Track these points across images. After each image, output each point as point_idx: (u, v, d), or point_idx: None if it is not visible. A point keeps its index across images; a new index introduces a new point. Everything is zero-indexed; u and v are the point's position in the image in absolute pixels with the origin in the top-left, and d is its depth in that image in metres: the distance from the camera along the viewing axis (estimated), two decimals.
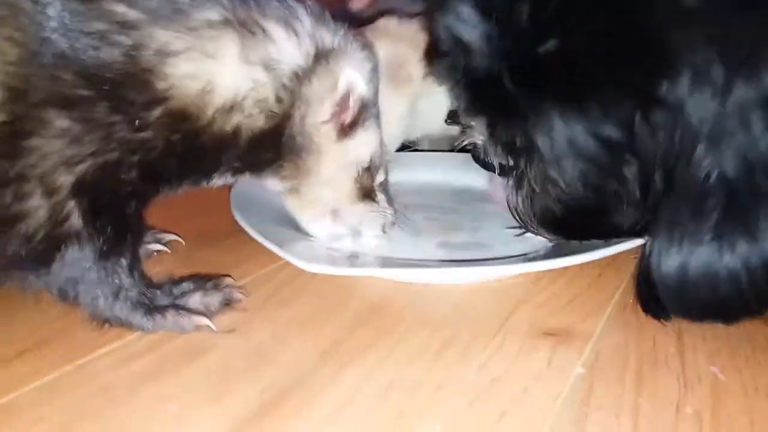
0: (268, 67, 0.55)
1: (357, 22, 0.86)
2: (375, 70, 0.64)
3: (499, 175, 0.66)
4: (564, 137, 0.55)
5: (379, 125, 0.65)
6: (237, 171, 0.60)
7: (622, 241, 0.64)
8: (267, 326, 0.55)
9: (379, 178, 0.66)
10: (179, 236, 0.70)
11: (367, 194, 0.65)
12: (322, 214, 0.65)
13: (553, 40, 0.53)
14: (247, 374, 0.48)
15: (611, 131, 0.54)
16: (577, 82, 0.54)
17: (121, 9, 0.51)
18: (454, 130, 0.95)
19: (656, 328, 0.56)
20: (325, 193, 0.64)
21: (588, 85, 0.54)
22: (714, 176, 0.50)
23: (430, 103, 0.87)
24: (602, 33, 0.52)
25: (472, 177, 0.83)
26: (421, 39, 0.85)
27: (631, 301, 0.61)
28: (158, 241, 0.69)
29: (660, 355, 0.52)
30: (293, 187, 0.63)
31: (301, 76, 0.57)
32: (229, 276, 0.61)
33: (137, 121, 0.50)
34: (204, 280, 0.58)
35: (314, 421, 0.44)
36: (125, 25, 0.50)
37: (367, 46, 0.63)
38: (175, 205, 0.72)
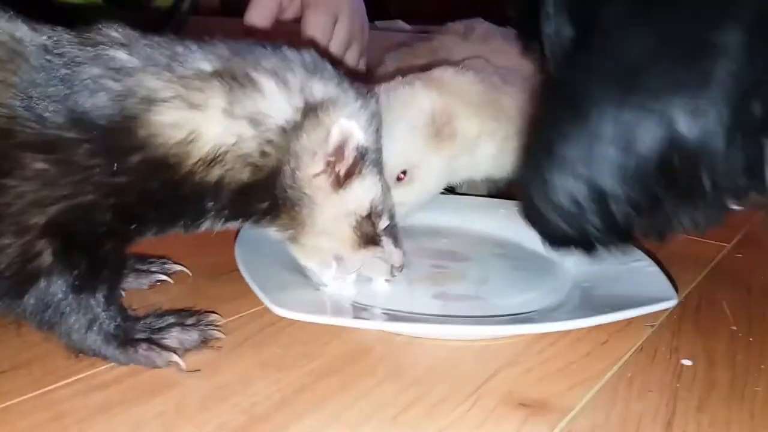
0: (253, 121, 0.55)
1: (416, 69, 0.87)
2: (374, 116, 0.63)
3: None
4: None
5: (380, 171, 0.64)
6: (228, 219, 0.60)
7: (639, 307, 0.60)
8: (235, 368, 0.55)
9: (383, 223, 0.64)
10: (186, 268, 0.72)
11: (369, 240, 0.64)
12: (326, 262, 0.65)
13: None
14: (198, 416, 0.48)
15: None
16: None
17: (120, 55, 0.53)
18: (498, 174, 0.92)
19: (646, 408, 0.52)
20: (324, 243, 0.63)
21: None
22: None
23: (476, 156, 0.85)
24: None
25: (500, 226, 0.80)
26: (475, 93, 0.83)
27: (629, 375, 0.57)
28: (165, 272, 0.70)
29: None
30: (292, 237, 0.63)
31: (288, 131, 0.57)
32: (214, 313, 0.61)
33: (115, 166, 0.51)
34: (186, 316, 0.59)
35: None
36: (120, 72, 0.52)
37: (365, 93, 0.63)
38: (191, 237, 0.74)
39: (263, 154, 0.57)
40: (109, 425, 0.47)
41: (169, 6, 1.46)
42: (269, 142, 0.56)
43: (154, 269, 0.70)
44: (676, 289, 0.65)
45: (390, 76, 0.85)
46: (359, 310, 0.62)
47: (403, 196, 0.80)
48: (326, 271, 0.65)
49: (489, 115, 0.83)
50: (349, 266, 0.65)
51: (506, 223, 0.83)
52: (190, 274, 0.72)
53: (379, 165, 0.64)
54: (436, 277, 0.71)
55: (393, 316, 0.60)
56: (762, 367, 0.59)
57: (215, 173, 0.56)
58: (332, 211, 0.61)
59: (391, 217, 0.66)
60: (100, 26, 0.54)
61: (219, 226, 0.61)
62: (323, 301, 0.63)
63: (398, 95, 0.79)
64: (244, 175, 0.57)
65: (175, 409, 0.49)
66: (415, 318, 0.60)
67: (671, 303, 0.61)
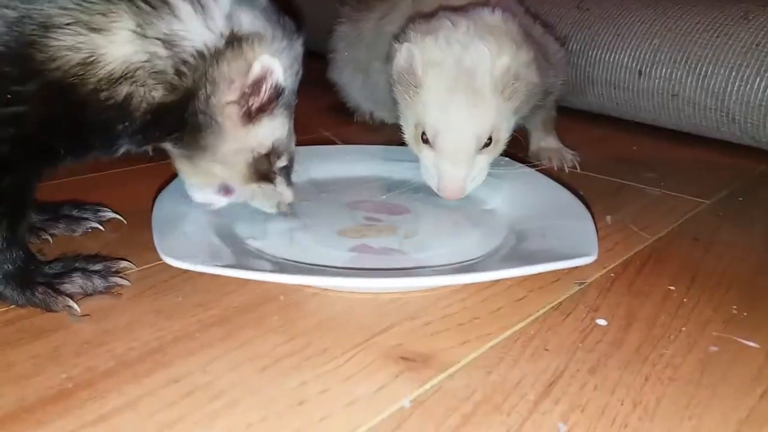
0: (167, 42, 0.55)
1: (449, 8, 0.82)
2: (297, 58, 0.62)
3: None
4: None
5: (291, 115, 0.63)
6: (142, 143, 0.60)
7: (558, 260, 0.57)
8: (126, 314, 0.55)
9: (280, 163, 0.65)
10: (121, 215, 0.72)
11: (262, 176, 0.65)
12: (209, 185, 0.65)
13: None
14: (69, 360, 0.48)
15: None
16: None
17: None
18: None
19: (533, 369, 0.49)
20: (217, 169, 0.63)
21: None
22: None
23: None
24: None
25: None
26: (524, 39, 0.79)
27: (532, 332, 0.54)
28: (98, 219, 0.71)
29: (511, 401, 0.46)
30: (187, 155, 0.63)
31: (207, 56, 0.57)
32: (126, 260, 0.62)
33: (9, 95, 0.51)
34: (94, 262, 0.59)
35: (96, 414, 0.43)
36: None
37: (293, 33, 0.62)
38: (128, 185, 0.75)
39: (179, 73, 0.56)
40: None
41: None
42: (185, 62, 0.56)
43: (86, 215, 0.70)
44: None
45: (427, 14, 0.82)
46: (265, 261, 0.61)
47: (488, 159, 0.77)
48: (204, 191, 0.66)
49: (536, 64, 0.79)
50: (237, 195, 0.66)
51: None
52: (125, 222, 0.72)
53: (291, 107, 0.64)
54: (363, 230, 0.69)
55: (282, 267, 0.59)
56: (683, 329, 0.55)
57: (123, 90, 0.55)
58: (235, 143, 0.61)
59: (290, 159, 0.66)
60: None
61: (136, 149, 0.61)
62: (233, 253, 0.62)
63: (474, 53, 0.74)
64: (157, 93, 0.56)
65: (51, 351, 0.50)
66: (308, 270, 0.59)
67: (586, 260, 0.58)
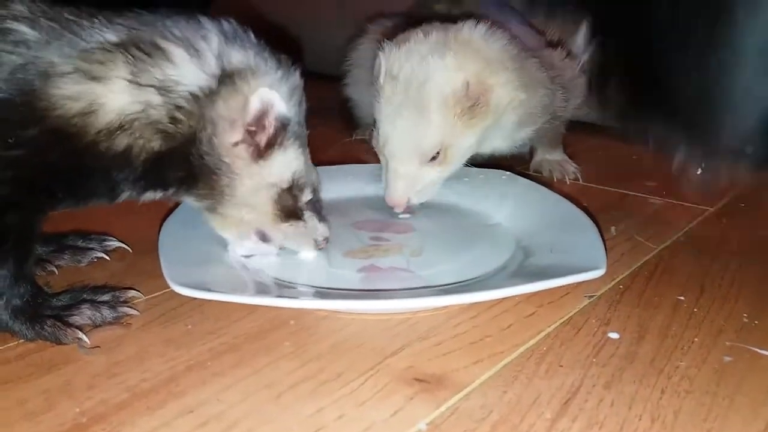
0: (161, 89, 0.55)
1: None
2: (296, 88, 0.62)
3: None
4: None
5: (303, 144, 0.63)
6: (146, 189, 0.60)
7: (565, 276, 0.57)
8: (136, 344, 0.54)
9: (305, 197, 0.63)
10: (127, 244, 0.72)
11: (291, 214, 0.63)
12: (246, 234, 0.64)
13: None
14: (82, 393, 0.48)
15: None
16: None
17: (23, 29, 0.53)
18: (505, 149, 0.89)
19: (548, 386, 0.49)
20: (244, 214, 0.62)
21: None
22: None
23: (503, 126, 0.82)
24: None
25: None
26: (507, 57, 0.79)
27: (544, 349, 0.54)
28: (104, 249, 0.71)
29: (529, 420, 0.45)
30: (211, 207, 0.62)
31: (202, 98, 0.56)
32: (134, 289, 0.61)
33: (11, 139, 0.51)
34: (102, 293, 0.59)
35: None
36: (20, 45, 0.52)
37: (288, 65, 0.61)
38: (135, 213, 0.75)
39: (174, 120, 0.56)
40: None
41: None
42: (179, 108, 0.56)
43: (92, 246, 0.70)
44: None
45: (404, 25, 0.82)
46: (276, 287, 0.61)
47: (436, 175, 0.78)
48: (244, 243, 0.65)
49: (519, 83, 0.79)
50: (272, 240, 0.64)
51: (461, 189, 0.81)
52: (130, 250, 0.72)
53: (302, 138, 0.63)
54: (370, 251, 0.69)
55: (291, 292, 0.59)
56: (695, 340, 0.55)
57: (122, 142, 0.55)
58: (252, 182, 0.60)
59: (314, 191, 0.65)
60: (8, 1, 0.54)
61: (139, 197, 0.60)
62: (243, 280, 0.62)
63: (428, 67, 0.74)
64: (156, 143, 0.56)
65: (63, 385, 0.49)
66: (323, 293, 0.59)
67: (595, 274, 0.58)
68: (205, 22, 0.59)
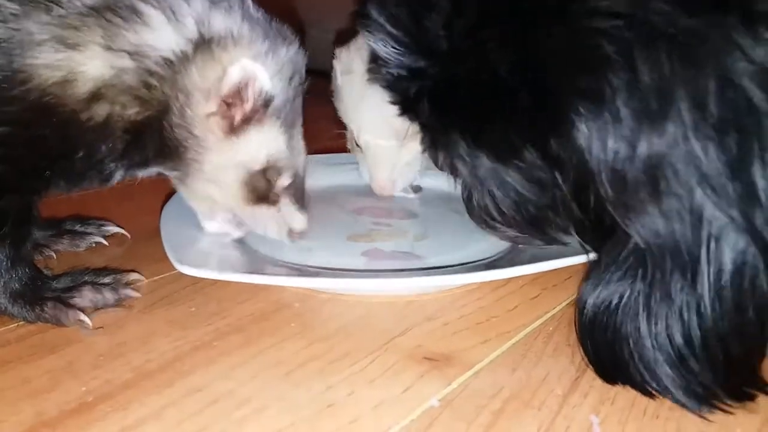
0: (134, 53, 0.52)
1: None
2: (289, 62, 0.58)
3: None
4: (474, 167, 0.51)
5: (290, 124, 0.59)
6: (131, 165, 0.57)
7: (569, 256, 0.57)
8: (140, 326, 0.54)
9: (283, 182, 0.59)
10: (124, 229, 0.71)
11: (262, 198, 0.59)
12: (214, 210, 0.62)
13: (463, 66, 0.47)
14: (87, 373, 0.47)
15: (513, 177, 0.50)
16: (480, 116, 0.48)
17: (2, 1, 0.51)
18: None
19: (556, 364, 0.49)
20: (212, 191, 0.59)
21: (489, 123, 0.48)
22: (625, 236, 0.43)
23: None
24: (505, 69, 0.45)
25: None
26: None
27: (551, 329, 0.54)
28: (102, 234, 0.70)
29: (540, 396, 0.45)
30: (180, 177, 0.59)
31: (175, 63, 0.53)
32: (135, 272, 0.61)
33: None
34: (103, 275, 0.58)
35: (119, 426, 0.42)
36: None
37: (284, 36, 0.58)
38: (134, 198, 0.74)
39: (147, 86, 0.53)
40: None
41: None
42: (151, 73, 0.53)
43: (90, 231, 0.69)
44: None
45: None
46: (278, 267, 0.60)
47: (415, 149, 0.76)
48: (212, 219, 0.63)
49: None
50: (240, 220, 0.62)
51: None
52: (129, 235, 0.71)
53: (288, 118, 0.59)
54: (374, 234, 0.69)
55: (297, 272, 0.58)
56: None
57: (103, 111, 0.53)
58: (221, 159, 0.56)
59: (296, 176, 0.61)
60: None
61: (128, 175, 0.58)
62: (245, 261, 0.61)
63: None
64: (132, 110, 0.53)
65: (67, 365, 0.49)
66: (324, 273, 0.58)
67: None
68: None
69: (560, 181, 0.47)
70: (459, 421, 0.43)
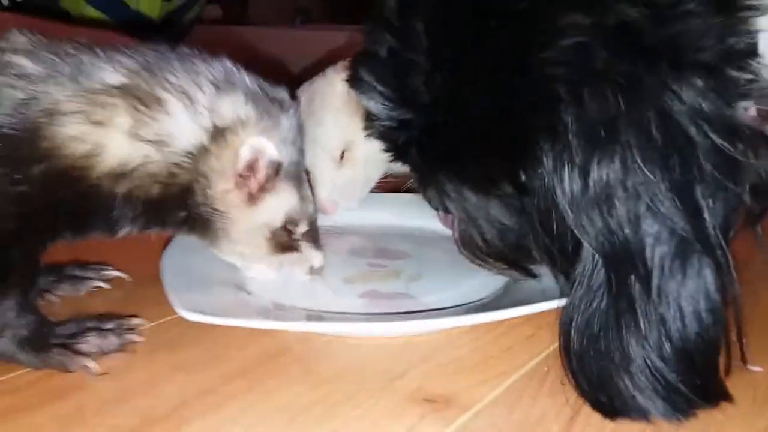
0: (159, 144, 0.56)
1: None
2: (290, 128, 0.62)
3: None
4: (461, 202, 0.56)
5: (299, 179, 0.64)
6: (146, 226, 0.60)
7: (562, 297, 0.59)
8: (145, 371, 0.55)
9: (301, 229, 0.64)
10: (125, 273, 0.72)
11: (286, 247, 0.64)
12: (246, 262, 0.66)
13: (443, 115, 0.53)
14: (93, 419, 0.48)
15: (496, 208, 0.55)
16: (462, 156, 0.54)
17: (24, 62, 0.54)
18: None
19: (552, 404, 0.51)
20: (240, 249, 0.64)
21: (470, 162, 0.54)
22: (590, 259, 0.48)
23: None
24: (479, 114, 0.51)
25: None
26: None
27: (546, 369, 0.56)
28: (102, 278, 0.71)
29: None
30: (211, 243, 0.64)
31: (196, 155, 0.57)
32: (137, 317, 0.62)
33: (17, 176, 0.52)
34: (106, 321, 0.59)
35: None
36: (22, 79, 0.53)
37: (282, 106, 0.62)
38: (134, 243, 0.75)
39: (171, 175, 0.57)
40: (8, 428, 0.47)
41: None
42: (176, 164, 0.57)
43: (90, 275, 0.71)
44: None
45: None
46: (279, 311, 0.62)
47: (351, 174, 0.83)
48: (248, 268, 0.67)
49: None
50: (268, 267, 0.66)
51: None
52: (129, 279, 0.72)
53: (297, 177, 0.64)
54: (369, 276, 0.71)
55: (302, 316, 0.60)
56: None
57: (123, 186, 0.56)
58: (246, 224, 0.61)
59: (311, 222, 0.66)
60: (8, 32, 0.55)
61: (139, 232, 0.61)
62: (246, 305, 0.63)
63: (315, 87, 0.84)
64: (154, 190, 0.57)
65: (74, 411, 0.49)
66: (326, 317, 0.60)
67: None
68: (198, 64, 0.59)
69: (529, 209, 0.52)
70: None
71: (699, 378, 0.48)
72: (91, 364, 0.54)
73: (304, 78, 0.89)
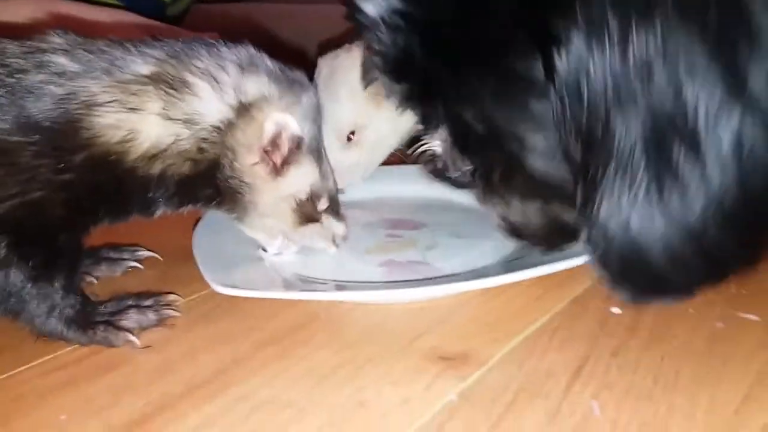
0: (188, 122, 0.60)
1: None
2: (310, 106, 0.67)
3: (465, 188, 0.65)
4: (488, 106, 0.52)
5: (319, 157, 0.68)
6: (179, 205, 0.65)
7: (569, 258, 0.62)
8: (183, 343, 0.60)
9: (322, 204, 0.69)
10: (157, 253, 0.77)
11: (310, 219, 0.69)
12: (272, 236, 0.71)
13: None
14: (142, 388, 0.53)
15: (528, 95, 0.50)
16: (489, 39, 0.50)
17: (62, 61, 0.58)
18: None
19: (560, 357, 0.55)
20: (268, 222, 0.68)
21: (499, 43, 0.50)
22: (628, 138, 0.45)
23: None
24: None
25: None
26: None
27: (555, 325, 0.60)
28: (136, 258, 0.76)
29: (546, 387, 0.51)
30: (239, 217, 0.68)
31: (223, 129, 0.61)
32: (173, 293, 0.66)
33: (61, 165, 0.57)
34: (144, 298, 0.64)
35: None
36: (62, 77, 0.57)
37: (302, 85, 0.66)
38: (164, 223, 0.80)
39: (200, 150, 0.61)
40: (64, 401, 0.52)
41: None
42: (205, 140, 0.61)
43: (125, 257, 0.75)
44: None
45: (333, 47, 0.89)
46: (305, 283, 0.66)
47: (356, 157, 0.85)
48: (272, 242, 0.71)
49: None
50: (293, 239, 0.71)
51: None
52: (161, 258, 0.77)
53: (317, 152, 0.68)
54: (388, 246, 0.75)
55: (325, 286, 0.64)
56: (689, 310, 0.61)
57: (157, 167, 0.60)
58: (272, 196, 0.66)
59: (332, 197, 0.70)
60: (44, 33, 0.59)
61: (173, 211, 0.66)
62: (273, 278, 0.67)
63: (339, 62, 0.84)
64: (185, 168, 0.62)
65: (124, 382, 0.54)
66: (349, 286, 0.64)
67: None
68: (223, 50, 0.63)
69: (558, 108, 0.47)
70: (476, 412, 0.48)
71: (743, 238, 0.47)
72: (134, 338, 0.59)
73: (324, 51, 0.89)
